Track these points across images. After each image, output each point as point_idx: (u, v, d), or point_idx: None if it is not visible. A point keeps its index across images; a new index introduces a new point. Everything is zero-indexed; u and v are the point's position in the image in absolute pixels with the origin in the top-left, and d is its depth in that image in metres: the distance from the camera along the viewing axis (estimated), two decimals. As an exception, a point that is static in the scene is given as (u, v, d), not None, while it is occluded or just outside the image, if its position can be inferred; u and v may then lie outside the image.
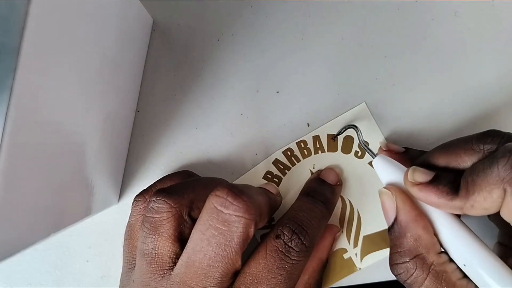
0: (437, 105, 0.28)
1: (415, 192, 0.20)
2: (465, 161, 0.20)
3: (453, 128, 0.28)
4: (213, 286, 0.20)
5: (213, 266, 0.20)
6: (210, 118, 0.29)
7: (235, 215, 0.20)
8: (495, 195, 0.18)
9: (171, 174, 0.27)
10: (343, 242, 0.27)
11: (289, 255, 0.21)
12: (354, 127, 0.26)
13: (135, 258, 0.24)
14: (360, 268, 0.27)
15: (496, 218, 0.23)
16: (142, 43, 0.28)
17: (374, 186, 0.28)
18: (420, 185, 0.20)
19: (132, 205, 0.25)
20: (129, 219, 0.25)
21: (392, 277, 0.27)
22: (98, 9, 0.20)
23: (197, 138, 0.29)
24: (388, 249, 0.27)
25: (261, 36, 0.29)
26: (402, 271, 0.20)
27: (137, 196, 0.25)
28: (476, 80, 0.28)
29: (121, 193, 0.29)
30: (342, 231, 0.28)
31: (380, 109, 0.28)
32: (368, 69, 0.28)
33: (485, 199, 0.18)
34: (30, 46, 0.14)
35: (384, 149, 0.26)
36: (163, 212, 0.22)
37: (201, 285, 0.20)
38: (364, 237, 0.27)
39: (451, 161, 0.21)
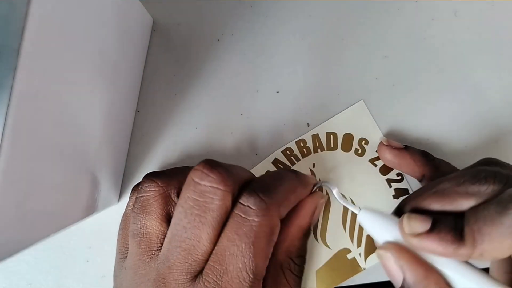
0: (437, 105, 0.28)
1: (416, 243, 0.19)
2: (462, 204, 0.19)
3: (453, 127, 0.28)
4: (195, 261, 0.20)
5: (192, 238, 0.20)
6: (210, 118, 0.29)
7: (210, 186, 0.20)
8: (507, 245, 0.17)
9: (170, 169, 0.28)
10: (346, 242, 0.27)
11: (247, 217, 0.20)
12: (327, 187, 0.25)
13: (127, 247, 0.24)
14: (364, 268, 0.27)
15: None
16: (142, 43, 0.28)
17: (374, 184, 0.28)
18: (419, 235, 0.19)
19: (130, 195, 0.25)
20: (125, 209, 0.25)
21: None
22: (98, 9, 0.20)
23: (197, 138, 0.29)
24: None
25: (261, 36, 0.29)
26: None
27: (134, 186, 0.26)
28: (476, 80, 0.28)
29: (121, 193, 0.29)
30: (345, 231, 0.27)
31: (380, 109, 0.28)
32: (368, 69, 0.28)
33: (495, 249, 0.17)
34: (30, 46, 0.14)
35: (384, 143, 0.26)
36: (150, 191, 0.22)
37: (183, 259, 0.20)
38: (367, 236, 0.27)
39: (446, 206, 0.20)
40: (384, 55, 0.29)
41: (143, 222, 0.22)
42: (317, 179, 0.27)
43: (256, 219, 0.20)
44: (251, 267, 0.19)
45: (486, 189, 0.19)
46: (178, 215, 0.21)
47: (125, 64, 0.25)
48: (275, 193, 0.21)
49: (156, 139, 0.29)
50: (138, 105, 0.29)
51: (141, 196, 0.22)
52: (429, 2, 0.29)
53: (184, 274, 0.20)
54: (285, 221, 0.22)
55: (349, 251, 0.27)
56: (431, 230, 0.19)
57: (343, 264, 0.27)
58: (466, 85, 0.28)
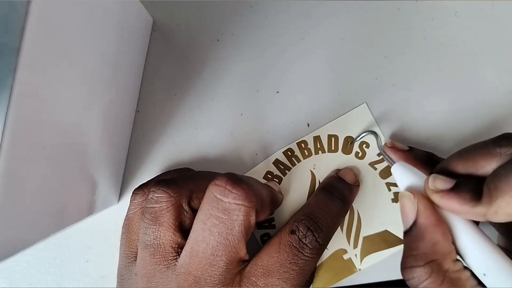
0: (437, 105, 0.28)
1: (437, 199, 0.20)
2: (483, 166, 0.20)
3: (453, 127, 0.28)
4: (219, 275, 0.20)
5: (216, 255, 0.20)
6: (210, 118, 0.29)
7: (234, 203, 0.20)
8: None
9: (172, 170, 0.28)
10: (343, 243, 0.27)
11: (303, 252, 0.21)
12: (374, 133, 0.26)
13: (134, 251, 0.24)
14: (360, 269, 0.27)
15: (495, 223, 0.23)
16: (142, 43, 0.28)
17: (374, 187, 0.28)
18: (441, 192, 0.20)
19: (131, 198, 0.25)
20: (127, 212, 0.25)
21: (391, 277, 0.27)
22: (98, 9, 0.20)
23: (197, 138, 0.29)
24: (388, 250, 0.27)
25: (261, 36, 0.29)
26: (415, 275, 0.19)
27: (136, 189, 0.25)
28: (476, 80, 0.28)
29: (121, 193, 0.29)
30: (342, 232, 0.27)
31: (380, 109, 0.28)
32: (368, 69, 0.28)
33: (508, 204, 0.17)
34: (30, 46, 0.14)
35: (389, 145, 0.26)
36: (162, 202, 0.22)
37: (207, 275, 0.20)
38: (364, 238, 0.27)
39: (469, 167, 0.20)
40: (384, 55, 0.29)
41: (157, 233, 0.22)
42: (360, 136, 0.27)
43: (310, 257, 0.22)
44: None
45: (507, 151, 0.19)
46: (200, 231, 0.21)
47: (125, 64, 0.25)
48: (327, 234, 0.23)
49: (156, 139, 0.29)
50: (138, 105, 0.29)
51: (152, 207, 0.22)
52: (429, 2, 0.29)
53: (215, 286, 0.20)
54: None
55: (345, 251, 0.27)
56: (452, 189, 0.20)
57: (339, 264, 0.27)
58: (466, 85, 0.28)
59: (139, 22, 0.27)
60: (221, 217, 0.20)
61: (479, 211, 0.19)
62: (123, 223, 0.25)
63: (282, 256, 0.21)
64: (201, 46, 0.29)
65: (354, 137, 0.28)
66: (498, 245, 0.23)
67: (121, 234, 0.25)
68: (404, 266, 0.20)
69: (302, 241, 0.22)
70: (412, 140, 0.28)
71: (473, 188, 0.19)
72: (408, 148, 0.26)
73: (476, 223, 0.21)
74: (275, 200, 0.25)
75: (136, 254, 0.23)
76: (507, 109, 0.28)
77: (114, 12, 0.22)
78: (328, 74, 0.29)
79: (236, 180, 0.21)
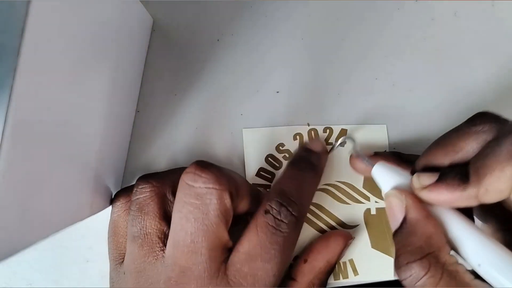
0: (437, 105, 0.28)
1: (426, 194, 0.20)
2: (462, 147, 0.20)
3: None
4: (204, 262, 0.20)
5: (196, 241, 0.20)
6: (210, 118, 0.29)
7: (205, 187, 0.20)
8: (508, 172, 0.17)
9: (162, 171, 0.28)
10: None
11: (280, 229, 0.21)
12: (351, 139, 0.26)
13: (122, 253, 0.24)
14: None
15: (486, 215, 0.23)
16: (142, 43, 0.28)
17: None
18: (428, 186, 0.20)
19: (113, 200, 0.25)
20: (111, 215, 0.25)
21: (390, 277, 0.27)
22: (98, 9, 0.20)
23: (197, 138, 0.29)
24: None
25: (261, 36, 0.29)
26: (412, 272, 0.18)
27: (118, 192, 0.25)
28: (476, 80, 0.28)
29: (121, 193, 0.29)
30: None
31: (380, 110, 0.28)
32: (368, 69, 0.28)
33: (499, 179, 0.17)
34: (30, 46, 0.14)
35: (355, 156, 0.25)
36: (146, 191, 0.22)
37: (191, 263, 0.20)
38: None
39: (449, 152, 0.20)
40: (384, 55, 0.29)
41: (143, 223, 0.22)
42: (337, 145, 0.26)
43: (288, 231, 0.21)
44: (279, 273, 0.21)
45: (483, 128, 0.19)
46: (178, 220, 0.21)
47: (125, 64, 0.25)
48: (301, 205, 0.22)
49: (156, 139, 0.29)
50: (138, 105, 0.29)
51: (137, 198, 0.22)
52: (429, 2, 0.29)
53: (201, 274, 0.20)
54: (315, 254, 0.24)
55: None
56: (438, 180, 0.19)
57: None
58: (466, 85, 0.28)
59: (139, 22, 0.27)
60: (194, 203, 0.20)
61: (470, 193, 0.18)
62: (109, 227, 0.25)
63: (261, 238, 0.21)
64: (201, 46, 0.29)
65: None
66: None
67: (108, 238, 0.25)
68: (399, 265, 0.19)
69: (277, 218, 0.21)
70: (413, 141, 0.28)
71: (459, 172, 0.19)
72: (373, 153, 0.26)
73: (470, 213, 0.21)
74: (257, 194, 0.25)
75: (124, 256, 0.23)
76: (507, 109, 0.28)
77: (114, 12, 0.22)
78: (328, 74, 0.29)
79: (205, 165, 0.21)
